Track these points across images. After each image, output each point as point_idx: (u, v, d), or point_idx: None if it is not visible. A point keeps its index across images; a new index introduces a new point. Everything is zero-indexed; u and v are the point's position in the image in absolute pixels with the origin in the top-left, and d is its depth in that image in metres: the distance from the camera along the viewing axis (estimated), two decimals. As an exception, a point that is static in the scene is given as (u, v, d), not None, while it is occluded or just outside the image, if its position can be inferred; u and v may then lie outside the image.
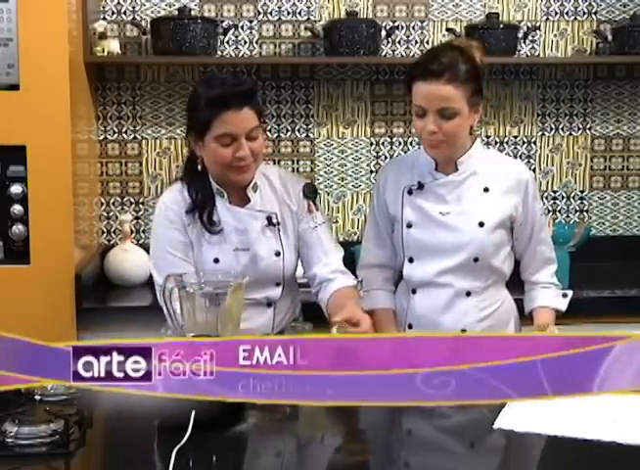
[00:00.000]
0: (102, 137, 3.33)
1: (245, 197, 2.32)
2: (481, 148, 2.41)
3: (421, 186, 2.33)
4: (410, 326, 2.38)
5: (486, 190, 2.32)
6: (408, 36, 3.40)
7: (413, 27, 3.40)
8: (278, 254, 2.31)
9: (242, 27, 3.33)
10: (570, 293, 2.45)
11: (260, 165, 2.33)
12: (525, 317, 2.46)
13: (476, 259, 2.31)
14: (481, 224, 2.30)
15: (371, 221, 2.48)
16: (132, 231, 3.32)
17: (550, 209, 3.52)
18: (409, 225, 2.34)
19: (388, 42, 3.36)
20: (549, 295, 2.43)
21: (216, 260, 2.27)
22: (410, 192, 2.35)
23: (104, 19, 3.26)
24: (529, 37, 3.39)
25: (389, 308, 2.43)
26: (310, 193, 2.34)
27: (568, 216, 3.53)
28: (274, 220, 2.32)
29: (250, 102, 2.20)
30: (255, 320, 2.28)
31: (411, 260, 2.36)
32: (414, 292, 2.38)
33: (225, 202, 2.30)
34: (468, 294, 2.34)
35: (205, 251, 2.28)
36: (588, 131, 3.52)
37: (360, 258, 2.50)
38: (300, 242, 2.37)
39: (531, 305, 2.44)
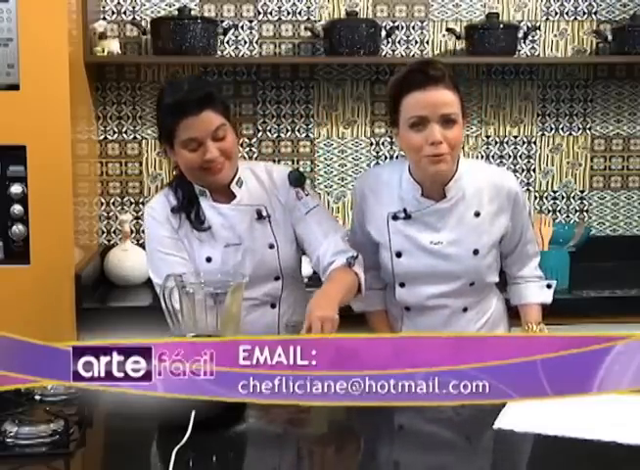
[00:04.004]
0: (102, 137, 3.33)
1: (229, 193, 2.30)
2: (466, 164, 2.27)
3: (408, 215, 2.24)
4: None
5: (477, 215, 2.25)
6: (408, 36, 3.40)
7: (413, 27, 3.40)
8: (272, 246, 2.29)
9: (242, 27, 3.33)
10: (553, 283, 2.43)
11: (248, 162, 2.33)
12: (513, 314, 2.47)
13: (472, 284, 2.29)
14: (476, 252, 2.25)
15: (353, 232, 2.40)
16: (132, 231, 3.32)
17: (550, 209, 3.52)
18: (398, 254, 2.27)
19: (388, 42, 3.36)
20: (534, 290, 2.41)
21: (209, 259, 2.26)
22: (395, 218, 2.26)
23: (104, 19, 3.26)
24: (529, 37, 3.39)
25: (381, 310, 2.42)
26: (296, 180, 2.30)
27: (568, 216, 3.53)
28: (264, 213, 2.30)
29: (207, 104, 2.17)
30: (260, 323, 2.26)
31: (402, 285, 2.31)
32: (408, 309, 2.34)
33: (208, 200, 2.29)
34: (464, 310, 2.32)
35: (197, 250, 2.28)
36: (588, 131, 3.52)
37: None
38: (298, 231, 2.32)
39: (518, 300, 2.43)
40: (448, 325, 2.30)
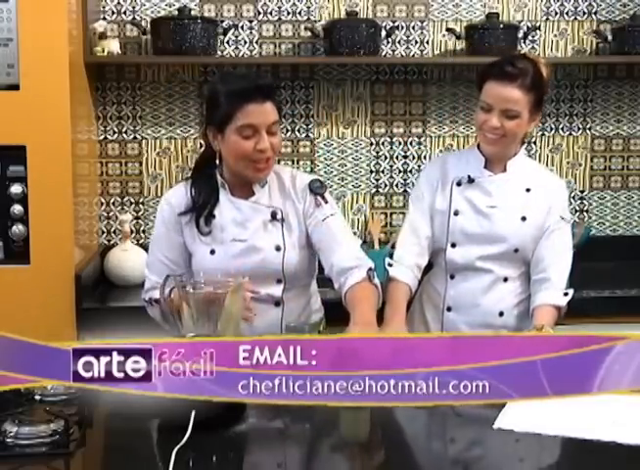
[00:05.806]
0: (102, 137, 3.33)
1: (248, 190, 2.32)
2: (524, 156, 2.59)
3: (471, 180, 2.50)
4: (449, 309, 2.52)
5: (528, 190, 2.50)
6: (408, 36, 3.40)
7: (413, 27, 3.40)
8: (278, 248, 2.29)
9: (242, 27, 3.33)
10: (570, 291, 2.45)
11: (275, 166, 2.34)
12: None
13: (516, 250, 2.47)
14: (524, 219, 2.47)
15: (415, 209, 2.55)
16: (132, 231, 3.32)
17: (550, 209, 3.52)
18: (456, 213, 2.49)
19: (388, 42, 3.36)
20: (548, 293, 2.43)
21: (212, 252, 2.28)
22: (459, 184, 2.51)
23: (104, 19, 3.26)
24: (529, 37, 3.40)
25: (407, 285, 2.47)
26: (317, 188, 2.34)
27: (568, 216, 3.53)
28: (278, 216, 2.31)
29: (271, 96, 2.23)
30: (262, 319, 2.24)
31: (454, 246, 2.50)
32: (452, 277, 2.52)
33: (227, 193, 2.31)
34: (505, 279, 2.49)
35: (202, 244, 2.29)
36: (588, 131, 3.52)
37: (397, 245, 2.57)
38: (313, 238, 2.33)
39: (531, 305, 2.44)
40: (489, 291, 2.49)
